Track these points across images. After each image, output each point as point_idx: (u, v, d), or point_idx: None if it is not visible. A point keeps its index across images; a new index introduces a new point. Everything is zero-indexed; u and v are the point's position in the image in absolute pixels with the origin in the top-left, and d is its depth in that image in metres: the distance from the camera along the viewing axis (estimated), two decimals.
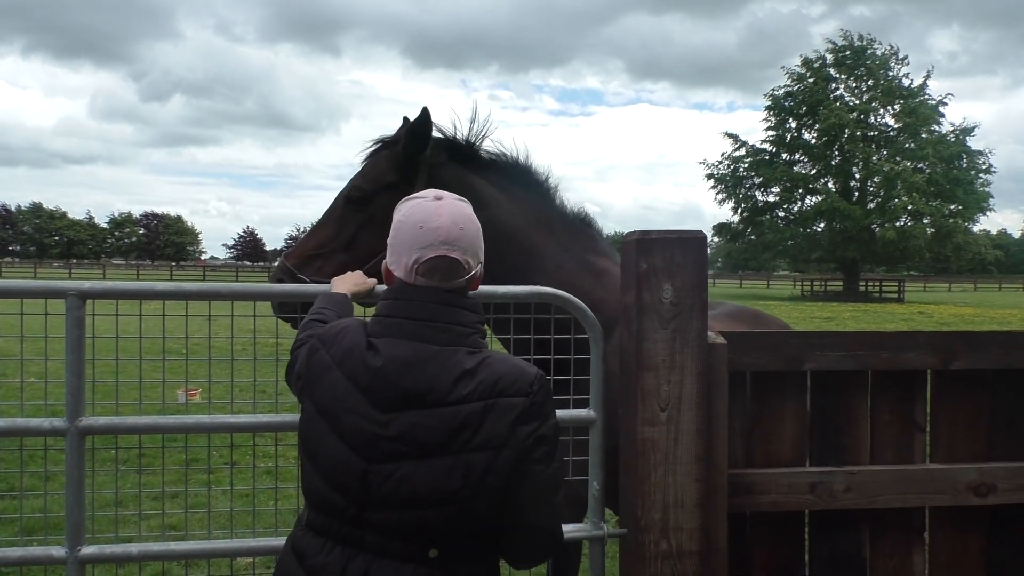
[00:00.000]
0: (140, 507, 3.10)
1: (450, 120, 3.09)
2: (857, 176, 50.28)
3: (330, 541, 1.67)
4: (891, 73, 50.68)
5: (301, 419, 1.76)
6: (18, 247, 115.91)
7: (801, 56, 53.77)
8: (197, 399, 7.89)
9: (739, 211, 53.03)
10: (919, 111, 48.58)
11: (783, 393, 2.39)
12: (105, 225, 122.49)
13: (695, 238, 2.22)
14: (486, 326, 1.82)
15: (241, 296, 2.37)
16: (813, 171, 51.55)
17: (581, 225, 3.18)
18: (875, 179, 48.70)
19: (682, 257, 2.20)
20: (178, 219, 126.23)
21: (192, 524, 4.83)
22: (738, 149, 53.14)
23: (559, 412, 1.88)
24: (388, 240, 1.79)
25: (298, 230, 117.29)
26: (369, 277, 2.36)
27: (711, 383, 2.24)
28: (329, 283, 2.35)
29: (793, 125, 52.35)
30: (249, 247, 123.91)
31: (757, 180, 51.89)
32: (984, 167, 49.03)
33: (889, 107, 50.13)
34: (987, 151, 49.37)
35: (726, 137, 53.66)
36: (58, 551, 2.23)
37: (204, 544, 2.37)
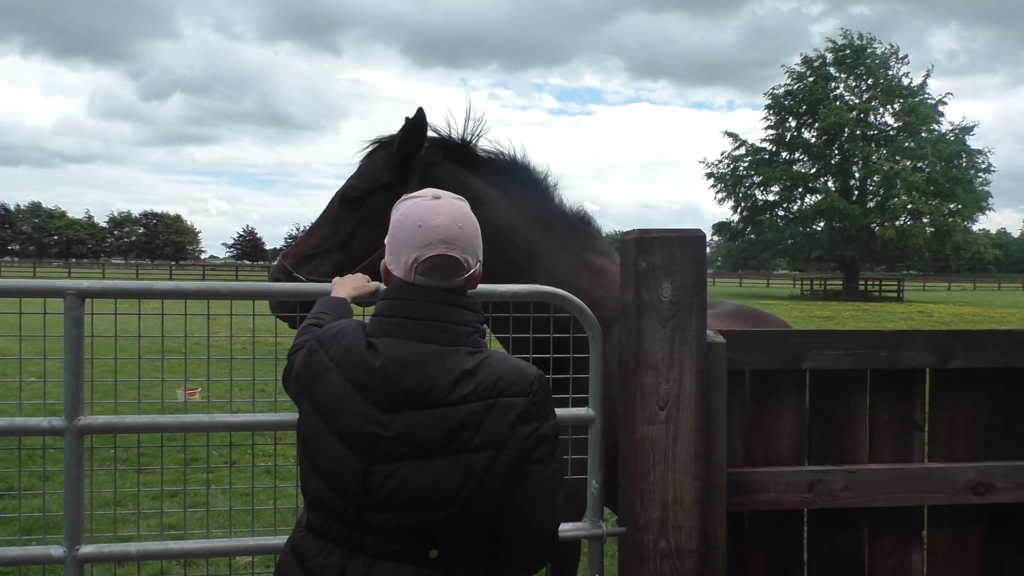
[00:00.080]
0: (139, 506, 3.10)
1: (446, 120, 3.10)
2: (857, 175, 50.29)
3: (330, 543, 1.67)
4: (891, 72, 50.67)
5: (300, 420, 1.75)
6: (17, 246, 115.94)
7: (801, 55, 53.87)
8: (196, 398, 7.90)
9: (739, 210, 53.05)
10: (919, 110, 48.57)
11: (782, 392, 2.39)
12: (104, 224, 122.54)
13: (694, 237, 2.22)
14: (485, 325, 1.82)
15: (240, 295, 2.37)
16: (813, 170, 51.55)
17: (579, 224, 3.18)
18: (875, 178, 48.71)
19: (681, 256, 2.20)
20: (177, 218, 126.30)
21: (191, 523, 4.83)
22: (738, 148, 53.17)
23: (558, 411, 1.88)
24: (386, 240, 1.79)
25: (297, 229, 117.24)
26: (363, 276, 2.35)
27: (710, 382, 2.24)
28: (325, 282, 2.35)
29: (793, 124, 52.34)
30: (249, 246, 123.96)
31: (757, 179, 51.89)
32: (983, 166, 49.05)
33: (889, 106, 50.13)
34: (986, 150, 49.44)
35: (726, 136, 53.67)
36: (57, 550, 2.23)
37: (203, 543, 2.37)
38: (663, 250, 2.19)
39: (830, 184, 50.93)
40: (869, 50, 50.79)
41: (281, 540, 2.32)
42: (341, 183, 3.15)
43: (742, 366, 2.33)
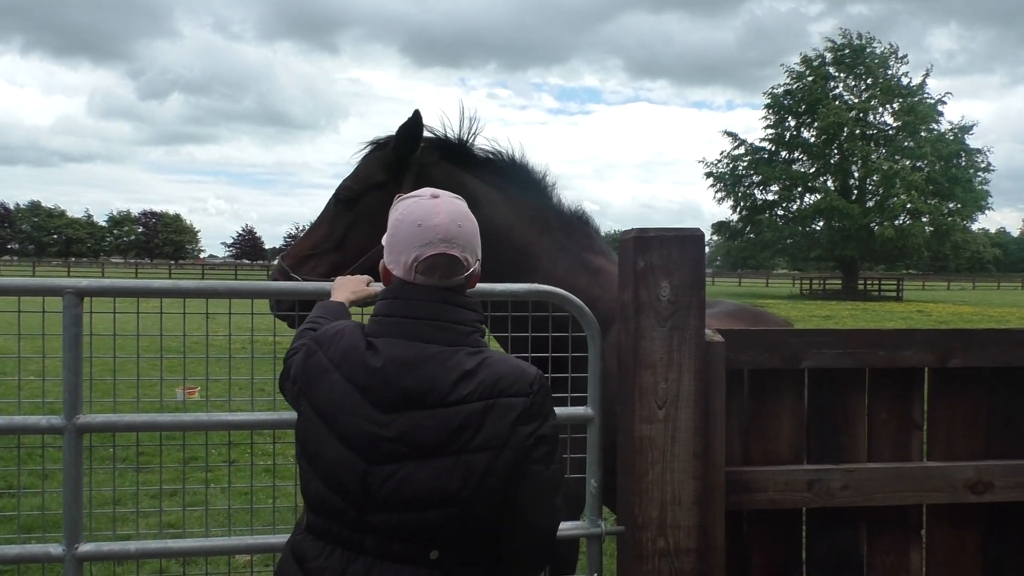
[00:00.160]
0: (138, 505, 3.10)
1: (443, 120, 3.11)
2: (856, 174, 50.28)
3: (330, 544, 1.66)
4: (890, 72, 50.64)
5: (299, 422, 1.75)
6: (17, 245, 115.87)
7: (800, 54, 53.82)
8: (195, 397, 7.90)
9: (738, 209, 53.01)
10: (918, 110, 48.56)
11: (781, 391, 2.39)
12: (104, 223, 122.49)
13: (692, 236, 2.22)
14: (484, 325, 1.82)
15: (238, 294, 2.37)
16: (812, 169, 51.53)
17: (578, 223, 3.18)
18: (874, 177, 48.70)
19: (679, 255, 2.20)
20: (177, 217, 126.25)
21: (190, 522, 4.83)
22: (737, 147, 53.13)
23: (557, 410, 1.88)
24: (385, 239, 1.78)
25: (297, 228, 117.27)
26: (363, 278, 2.34)
27: (709, 381, 2.24)
28: (323, 281, 2.35)
29: (792, 123, 52.31)
30: (248, 245, 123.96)
31: (756, 178, 51.86)
32: (983, 166, 49.04)
33: (888, 106, 50.09)
34: (985, 149, 49.44)
35: (725, 135, 53.64)
36: (56, 549, 2.23)
37: (202, 542, 2.37)
38: (661, 249, 2.19)
39: (829, 183, 50.92)
40: (868, 50, 50.78)
41: (280, 539, 2.32)
42: (343, 180, 3.16)
43: (741, 365, 2.33)
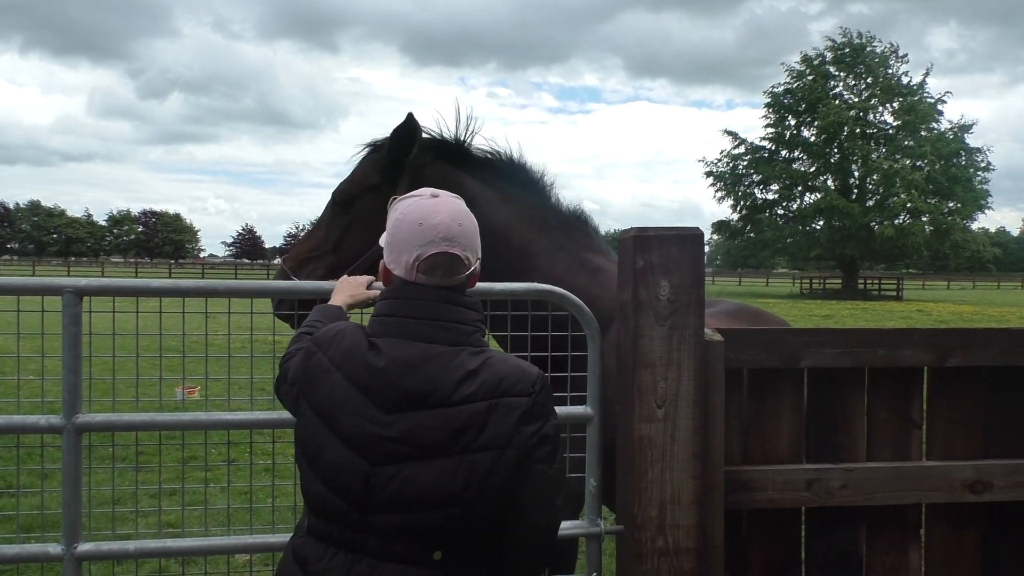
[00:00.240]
0: (137, 504, 3.10)
1: (438, 121, 3.12)
2: (856, 174, 50.27)
3: (332, 547, 1.66)
4: (890, 71, 50.64)
5: (299, 424, 1.74)
6: (16, 245, 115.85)
7: (801, 53, 53.79)
8: (195, 396, 7.90)
9: (738, 209, 53.01)
10: (918, 109, 48.56)
11: (780, 390, 2.39)
12: (103, 223, 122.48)
13: (692, 235, 2.22)
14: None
15: (237, 293, 2.37)
16: (812, 168, 51.52)
17: (577, 223, 3.18)
18: (874, 177, 48.70)
19: (679, 254, 2.20)
20: (176, 217, 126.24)
21: (189, 521, 4.84)
22: (737, 147, 53.12)
23: (556, 409, 1.88)
24: (385, 239, 1.78)
25: (297, 227, 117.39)
26: (363, 280, 2.33)
27: (708, 380, 2.24)
28: (321, 282, 2.35)
29: (792, 122, 52.31)
30: (248, 244, 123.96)
31: (756, 178, 51.85)
32: (982, 165, 49.05)
33: (888, 105, 50.10)
34: (985, 149, 49.45)
35: (725, 134, 53.61)
36: (55, 548, 2.23)
37: (201, 541, 2.37)
38: (661, 248, 2.19)
39: (829, 183, 50.90)
40: (868, 49, 50.77)
41: (279, 538, 2.32)
42: (339, 182, 3.18)
43: (740, 364, 2.33)
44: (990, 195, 49.04)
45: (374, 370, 1.64)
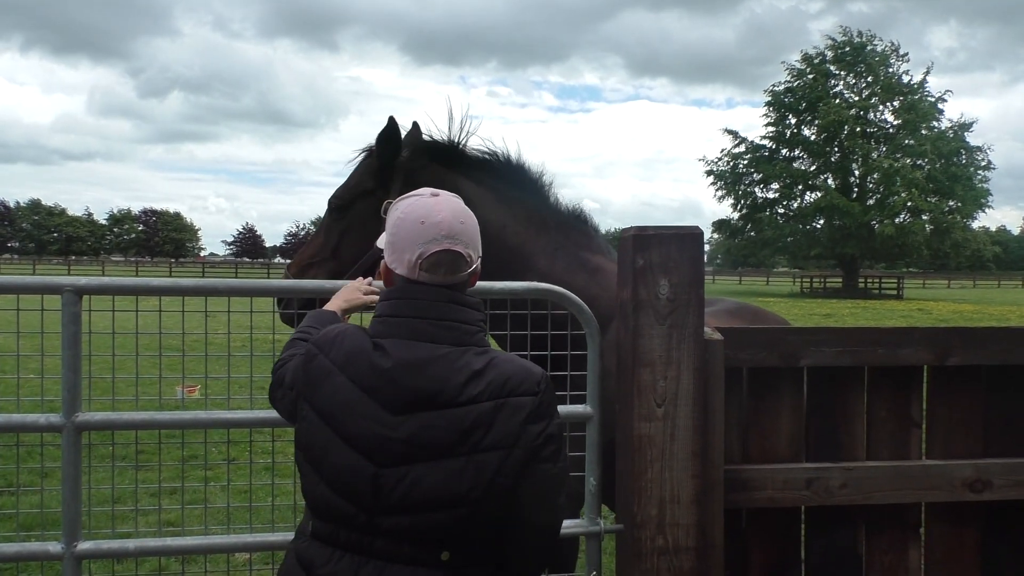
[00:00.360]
0: (137, 503, 3.10)
1: (432, 122, 3.17)
2: (856, 172, 50.25)
3: (338, 550, 1.65)
4: (890, 70, 50.62)
5: (300, 427, 1.72)
6: (17, 244, 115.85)
7: (801, 52, 53.77)
8: (196, 395, 7.89)
9: (738, 207, 52.98)
10: (918, 107, 48.54)
11: (779, 389, 2.39)
12: (104, 222, 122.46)
13: (691, 234, 2.22)
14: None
15: (237, 292, 2.37)
16: (812, 167, 51.50)
17: (576, 222, 3.18)
18: (874, 175, 48.67)
19: (678, 253, 2.20)
20: (177, 215, 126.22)
21: (189, 520, 4.84)
22: (737, 145, 53.08)
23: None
24: (386, 239, 1.78)
25: (297, 227, 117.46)
26: (359, 286, 2.31)
27: (707, 379, 2.24)
28: (322, 281, 2.36)
29: (793, 121, 52.26)
30: (248, 243, 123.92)
31: (756, 176, 51.83)
32: (983, 164, 49.05)
33: (888, 103, 50.07)
34: (986, 147, 49.44)
35: (725, 133, 53.57)
36: (55, 547, 2.23)
37: (201, 540, 2.37)
38: (661, 247, 2.19)
39: (830, 181, 50.88)
40: (869, 47, 50.73)
41: (279, 537, 2.32)
42: (340, 181, 3.23)
43: (740, 363, 2.33)
44: (990, 194, 49.06)
45: (380, 371, 1.64)
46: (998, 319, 26.00)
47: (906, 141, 48.52)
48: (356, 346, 1.69)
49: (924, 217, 47.86)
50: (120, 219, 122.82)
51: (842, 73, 51.43)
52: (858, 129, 48.63)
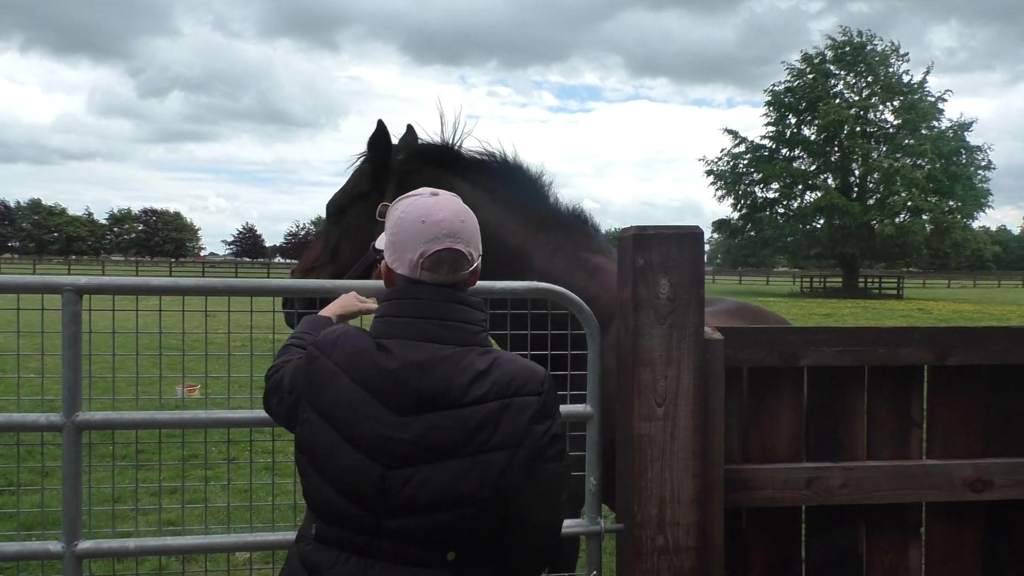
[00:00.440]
0: (137, 502, 3.11)
1: (425, 127, 3.20)
2: (856, 172, 50.23)
3: (344, 552, 1.64)
4: (891, 69, 50.60)
5: (303, 431, 1.71)
6: (17, 243, 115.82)
7: (801, 52, 53.76)
8: (196, 395, 7.89)
9: (738, 207, 52.97)
10: (918, 107, 48.52)
11: (780, 389, 2.39)
12: (104, 221, 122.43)
13: (691, 234, 2.22)
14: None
15: (237, 291, 2.37)
16: (812, 167, 51.49)
17: (575, 222, 3.18)
18: (874, 175, 48.66)
19: (679, 253, 2.20)
20: (177, 215, 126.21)
21: (189, 519, 4.84)
22: (737, 145, 53.07)
23: None
24: (387, 239, 1.77)
25: (297, 226, 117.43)
26: (354, 296, 2.28)
27: (708, 378, 2.24)
28: (323, 280, 2.36)
29: (793, 121, 52.25)
30: (248, 243, 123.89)
31: (756, 176, 51.82)
32: (983, 163, 49.04)
33: (888, 103, 50.06)
34: (986, 147, 49.45)
35: (725, 133, 53.55)
36: (55, 546, 2.23)
37: (201, 539, 2.37)
38: (661, 247, 2.19)
39: (830, 181, 50.87)
40: (869, 47, 50.71)
41: (279, 536, 2.32)
42: (340, 181, 3.26)
43: (740, 363, 2.33)
44: (991, 193, 49.04)
45: (385, 372, 1.63)
46: (998, 319, 25.99)
47: (906, 141, 48.51)
48: (358, 347, 1.68)
49: (924, 217, 47.85)
50: (120, 219, 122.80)
51: (842, 73, 51.41)
52: (858, 129, 48.62)
